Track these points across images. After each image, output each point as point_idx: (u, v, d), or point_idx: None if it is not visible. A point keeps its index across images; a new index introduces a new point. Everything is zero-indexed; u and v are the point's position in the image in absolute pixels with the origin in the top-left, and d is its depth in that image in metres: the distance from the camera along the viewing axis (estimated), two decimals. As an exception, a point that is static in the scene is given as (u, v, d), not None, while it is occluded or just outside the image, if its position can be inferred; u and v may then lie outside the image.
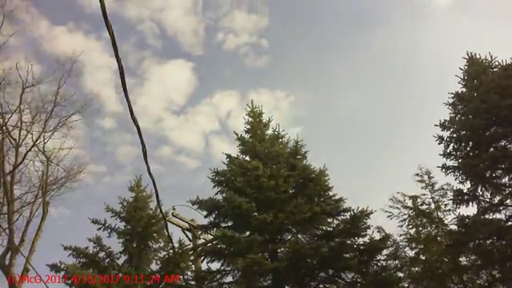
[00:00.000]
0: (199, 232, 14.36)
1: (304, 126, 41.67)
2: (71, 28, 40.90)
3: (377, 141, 42.73)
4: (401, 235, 14.09)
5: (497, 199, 13.23)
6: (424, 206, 14.31)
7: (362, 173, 36.54)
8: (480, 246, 12.62)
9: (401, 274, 13.09)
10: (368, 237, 11.59)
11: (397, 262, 13.71)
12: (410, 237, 14.04)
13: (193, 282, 12.82)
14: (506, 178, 13.26)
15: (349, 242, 11.60)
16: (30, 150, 18.21)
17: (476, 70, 14.58)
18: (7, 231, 16.58)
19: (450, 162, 13.94)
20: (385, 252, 12.53)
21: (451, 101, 14.65)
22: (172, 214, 14.16)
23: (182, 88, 46.55)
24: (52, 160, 18.86)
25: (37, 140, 18.39)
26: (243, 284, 11.85)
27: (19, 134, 18.17)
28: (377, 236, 12.77)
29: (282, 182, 12.27)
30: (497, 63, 14.45)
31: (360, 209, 11.66)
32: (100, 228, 14.71)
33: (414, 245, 14.00)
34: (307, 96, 46.70)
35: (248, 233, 12.33)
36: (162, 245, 15.24)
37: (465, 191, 13.51)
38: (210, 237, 14.01)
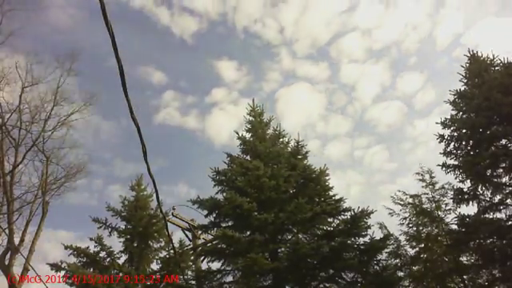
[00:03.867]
0: (199, 232, 14.34)
1: None
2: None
3: None
4: (401, 234, 14.11)
5: (497, 198, 13.19)
6: (425, 205, 14.30)
7: None
8: (480, 245, 12.61)
9: (401, 273, 13.12)
10: (368, 237, 11.57)
11: (397, 260, 13.73)
12: (411, 235, 14.03)
13: (193, 282, 12.80)
14: (507, 177, 13.23)
15: (349, 241, 11.55)
16: (29, 149, 18.22)
17: (478, 67, 14.55)
18: (7, 231, 16.57)
19: (451, 161, 13.95)
20: (385, 251, 12.54)
21: (452, 98, 14.64)
22: (172, 213, 14.14)
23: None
24: (52, 160, 18.85)
25: (36, 140, 18.40)
26: (243, 284, 11.82)
27: (19, 134, 18.19)
28: (378, 233, 12.79)
29: (282, 182, 12.24)
30: (498, 61, 14.43)
31: (360, 209, 11.64)
32: (101, 227, 14.71)
33: (414, 244, 14.00)
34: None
35: (248, 232, 12.30)
36: (162, 244, 15.25)
37: (465, 190, 13.49)
38: (210, 237, 13.98)
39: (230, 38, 44.65)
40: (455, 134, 14.08)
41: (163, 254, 15.07)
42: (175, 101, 45.14)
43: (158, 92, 45.78)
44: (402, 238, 14.09)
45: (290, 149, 13.99)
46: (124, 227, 15.06)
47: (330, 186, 12.82)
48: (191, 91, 48.24)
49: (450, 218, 13.84)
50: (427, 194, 14.48)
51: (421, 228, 14.11)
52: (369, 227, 11.70)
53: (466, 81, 14.85)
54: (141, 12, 41.82)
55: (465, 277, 13.11)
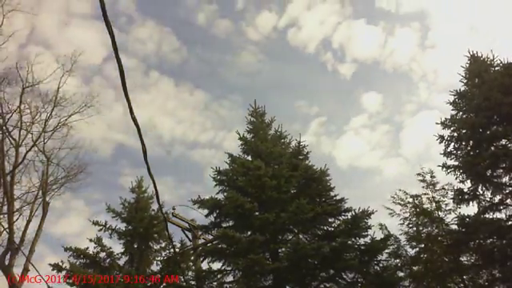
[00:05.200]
0: (199, 232, 14.34)
1: None
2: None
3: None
4: (402, 234, 14.10)
5: (497, 198, 13.20)
6: (425, 206, 14.29)
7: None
8: (480, 245, 12.60)
9: (401, 274, 13.11)
10: (369, 237, 11.59)
11: (398, 260, 13.72)
12: (411, 236, 14.02)
13: (193, 282, 12.81)
14: (507, 177, 13.24)
15: (350, 242, 11.56)
16: (30, 149, 18.24)
17: (478, 67, 14.55)
18: (7, 231, 16.57)
19: (451, 161, 13.94)
20: (386, 251, 12.54)
21: (452, 99, 14.64)
22: (172, 214, 14.14)
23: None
24: (52, 160, 18.87)
25: (37, 140, 18.42)
26: (244, 284, 11.82)
27: (19, 134, 18.19)
28: (378, 234, 12.78)
29: (283, 182, 12.25)
30: (498, 61, 14.44)
31: (361, 209, 11.65)
32: (101, 229, 14.68)
33: (414, 244, 13.98)
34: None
35: (249, 233, 12.30)
36: (162, 245, 15.23)
37: (465, 190, 13.48)
38: (211, 237, 13.99)
39: (380, 76, 50.74)
40: (455, 134, 14.08)
41: (164, 254, 15.06)
42: (321, 127, 51.64)
43: (307, 121, 53.11)
44: (403, 238, 14.09)
45: (291, 149, 14.00)
46: (124, 229, 15.04)
47: (332, 186, 12.83)
48: (335, 120, 55.30)
49: (450, 218, 13.83)
50: (427, 194, 14.47)
51: (421, 228, 14.09)
52: (369, 227, 11.74)
53: (465, 81, 14.85)
54: (314, 58, 49.72)
55: (465, 277, 13.09)
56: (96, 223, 14.60)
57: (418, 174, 14.77)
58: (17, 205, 17.61)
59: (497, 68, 14.40)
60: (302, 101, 54.31)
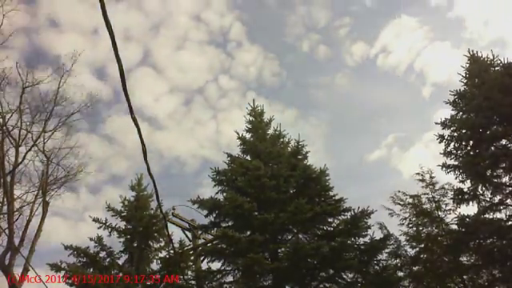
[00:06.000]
0: (199, 232, 14.35)
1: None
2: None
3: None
4: (401, 234, 14.10)
5: (497, 198, 13.19)
6: (425, 206, 14.28)
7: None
8: (480, 245, 12.60)
9: (401, 274, 13.11)
10: (368, 237, 11.60)
11: (398, 260, 13.72)
12: (411, 236, 14.02)
13: (193, 282, 12.82)
14: (507, 178, 13.23)
15: (349, 241, 11.58)
16: (30, 149, 18.22)
17: (478, 68, 14.54)
18: (7, 231, 16.56)
19: (451, 161, 13.92)
20: (385, 251, 12.55)
21: (452, 99, 14.63)
22: (172, 213, 14.13)
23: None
24: (52, 160, 18.87)
25: (37, 140, 18.41)
26: (243, 284, 11.84)
27: (19, 134, 18.18)
28: (378, 234, 12.79)
29: (282, 182, 12.27)
30: (499, 61, 14.41)
31: (360, 209, 11.66)
32: (101, 227, 14.69)
33: (414, 244, 13.98)
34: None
35: (249, 232, 12.31)
36: (162, 244, 15.21)
37: (465, 190, 13.47)
38: (210, 236, 13.99)
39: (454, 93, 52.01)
40: (455, 134, 14.06)
41: (163, 254, 15.04)
42: (395, 141, 53.57)
43: (383, 135, 56.71)
44: (402, 238, 14.08)
45: (290, 149, 14.00)
46: (124, 227, 15.04)
47: (331, 185, 12.83)
48: (410, 136, 56.78)
49: (450, 218, 13.82)
50: (427, 194, 14.46)
51: (421, 228, 14.08)
52: (369, 227, 11.75)
53: (465, 81, 14.84)
54: (400, 80, 50.97)
55: (465, 277, 13.09)
56: (96, 220, 14.62)
57: (417, 174, 14.80)
58: (17, 205, 17.62)
59: (497, 68, 14.38)
60: (382, 118, 57.37)
